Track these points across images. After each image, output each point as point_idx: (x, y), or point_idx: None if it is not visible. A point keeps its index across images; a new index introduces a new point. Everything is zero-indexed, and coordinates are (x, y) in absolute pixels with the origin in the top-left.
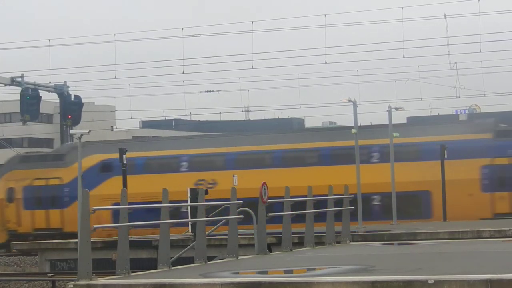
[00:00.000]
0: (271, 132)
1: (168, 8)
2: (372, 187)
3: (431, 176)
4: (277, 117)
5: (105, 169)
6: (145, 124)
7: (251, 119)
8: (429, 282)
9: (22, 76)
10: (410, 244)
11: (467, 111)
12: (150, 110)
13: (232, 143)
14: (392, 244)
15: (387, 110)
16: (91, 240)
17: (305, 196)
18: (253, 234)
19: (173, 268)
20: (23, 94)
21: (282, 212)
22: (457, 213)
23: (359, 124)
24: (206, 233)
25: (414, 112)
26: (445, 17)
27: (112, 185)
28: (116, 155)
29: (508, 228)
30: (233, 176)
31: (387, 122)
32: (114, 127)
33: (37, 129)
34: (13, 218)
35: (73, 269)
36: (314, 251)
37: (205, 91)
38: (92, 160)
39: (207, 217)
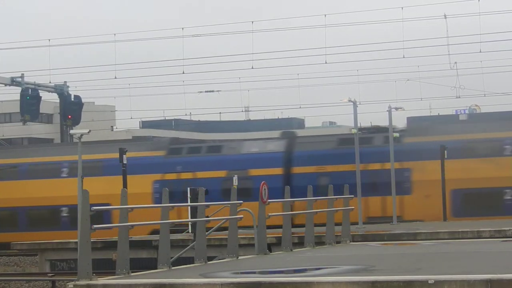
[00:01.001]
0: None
1: (168, 8)
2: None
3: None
4: (277, 117)
5: None
6: (145, 124)
7: (251, 119)
8: (429, 282)
9: (22, 76)
10: (410, 244)
11: (467, 111)
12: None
13: None
14: (392, 244)
15: (387, 110)
16: (91, 240)
17: None
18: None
19: (173, 268)
20: (23, 94)
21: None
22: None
23: (359, 125)
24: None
25: (414, 112)
26: (445, 17)
27: None
28: None
29: (508, 228)
30: (233, 176)
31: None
32: (114, 127)
33: (37, 129)
34: None
35: (73, 269)
36: (314, 251)
37: (205, 91)
38: None
39: (207, 217)
